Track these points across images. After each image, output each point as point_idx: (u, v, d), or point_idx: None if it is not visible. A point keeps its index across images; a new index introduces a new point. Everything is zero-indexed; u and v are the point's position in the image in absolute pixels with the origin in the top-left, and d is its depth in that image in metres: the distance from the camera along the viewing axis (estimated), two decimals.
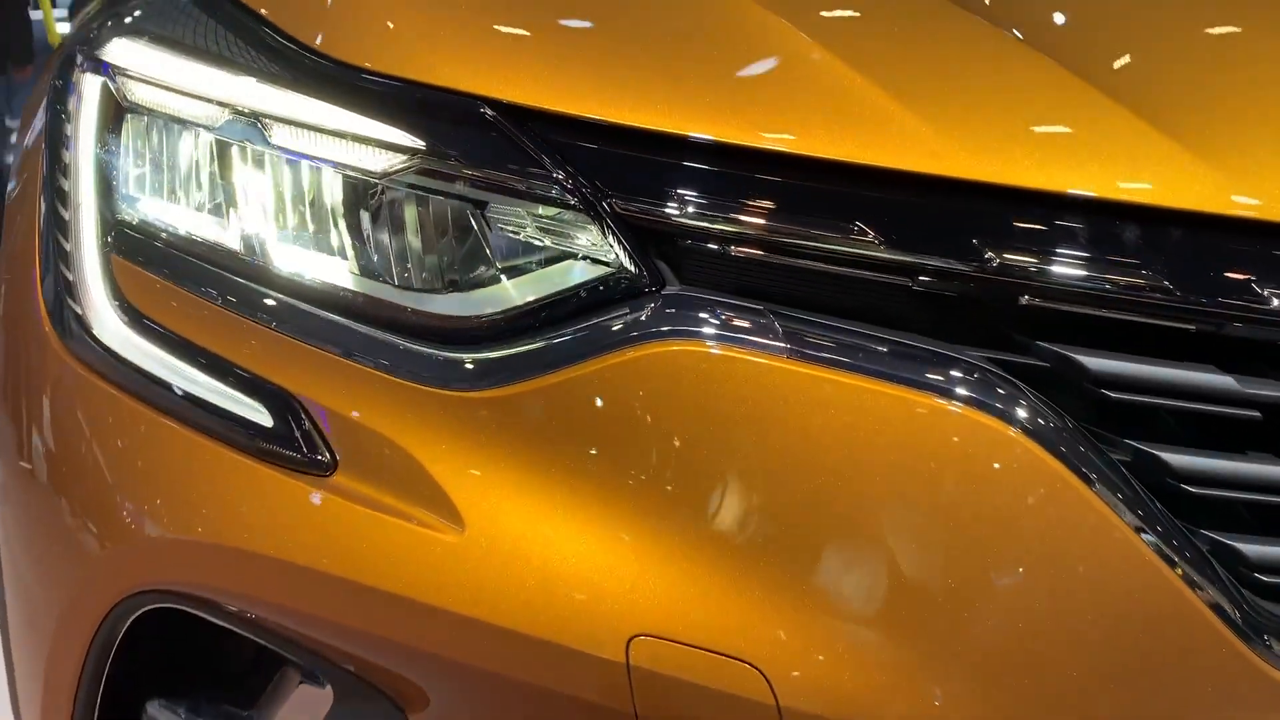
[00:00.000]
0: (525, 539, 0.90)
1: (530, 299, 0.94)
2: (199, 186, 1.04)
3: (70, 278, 1.07)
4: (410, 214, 0.97)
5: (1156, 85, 1.02)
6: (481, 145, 0.94)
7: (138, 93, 1.07)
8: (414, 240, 0.98)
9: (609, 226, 0.92)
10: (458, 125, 0.95)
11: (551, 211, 0.93)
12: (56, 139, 1.14)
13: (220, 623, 0.98)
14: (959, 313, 0.91)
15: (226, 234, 1.02)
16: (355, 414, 0.95)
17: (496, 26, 1.01)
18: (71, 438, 1.04)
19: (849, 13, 1.09)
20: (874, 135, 0.91)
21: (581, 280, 0.93)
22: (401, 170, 0.95)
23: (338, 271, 0.99)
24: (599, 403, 0.90)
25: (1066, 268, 0.88)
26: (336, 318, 0.97)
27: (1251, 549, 0.90)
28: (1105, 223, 0.90)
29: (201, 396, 0.98)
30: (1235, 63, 1.06)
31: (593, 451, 0.90)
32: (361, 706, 0.96)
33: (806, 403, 0.88)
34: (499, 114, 0.94)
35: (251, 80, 1.01)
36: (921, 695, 0.87)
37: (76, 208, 1.08)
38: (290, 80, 1.00)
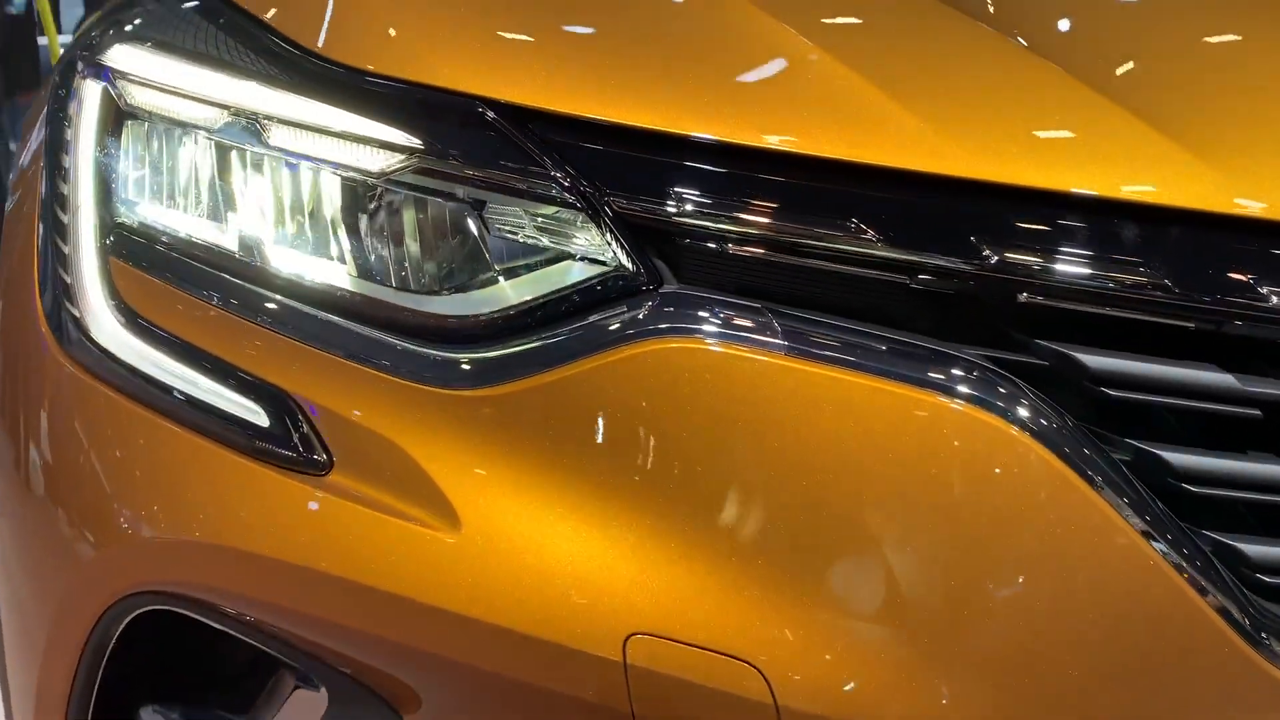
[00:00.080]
0: (522, 537, 0.90)
1: (527, 298, 0.94)
2: (198, 189, 1.04)
3: (68, 280, 1.07)
4: (408, 214, 0.98)
5: (1156, 87, 1.02)
6: (480, 144, 0.94)
7: (138, 96, 1.08)
8: (412, 241, 0.98)
9: (607, 225, 0.92)
10: (456, 125, 0.95)
11: (550, 210, 0.93)
12: (57, 144, 1.14)
13: (215, 625, 0.98)
14: (958, 311, 0.91)
15: (225, 236, 1.02)
16: (352, 413, 0.94)
17: (494, 28, 1.02)
18: (67, 439, 1.04)
19: (847, 16, 1.09)
20: (872, 134, 0.92)
21: (579, 279, 0.93)
22: (400, 170, 0.95)
23: (335, 272, 0.99)
24: (596, 401, 0.90)
25: (1065, 265, 0.88)
26: (334, 318, 0.97)
27: (1253, 549, 0.90)
28: (1104, 221, 0.90)
29: (198, 397, 0.98)
30: (1234, 64, 1.06)
31: (590, 450, 0.90)
32: (357, 709, 0.95)
33: (805, 400, 0.88)
34: (497, 114, 0.95)
35: (250, 82, 1.02)
36: (921, 694, 0.87)
37: (75, 211, 1.08)
38: (289, 82, 1.01)
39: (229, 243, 1.02)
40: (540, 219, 0.94)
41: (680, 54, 1.00)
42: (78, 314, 1.05)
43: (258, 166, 1.02)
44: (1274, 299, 0.88)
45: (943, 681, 0.87)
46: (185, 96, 1.04)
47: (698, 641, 0.87)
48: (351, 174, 0.97)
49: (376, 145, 0.96)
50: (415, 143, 0.95)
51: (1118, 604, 0.88)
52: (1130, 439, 0.90)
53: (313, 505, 0.93)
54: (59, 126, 1.15)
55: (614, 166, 0.93)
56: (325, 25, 1.05)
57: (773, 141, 0.92)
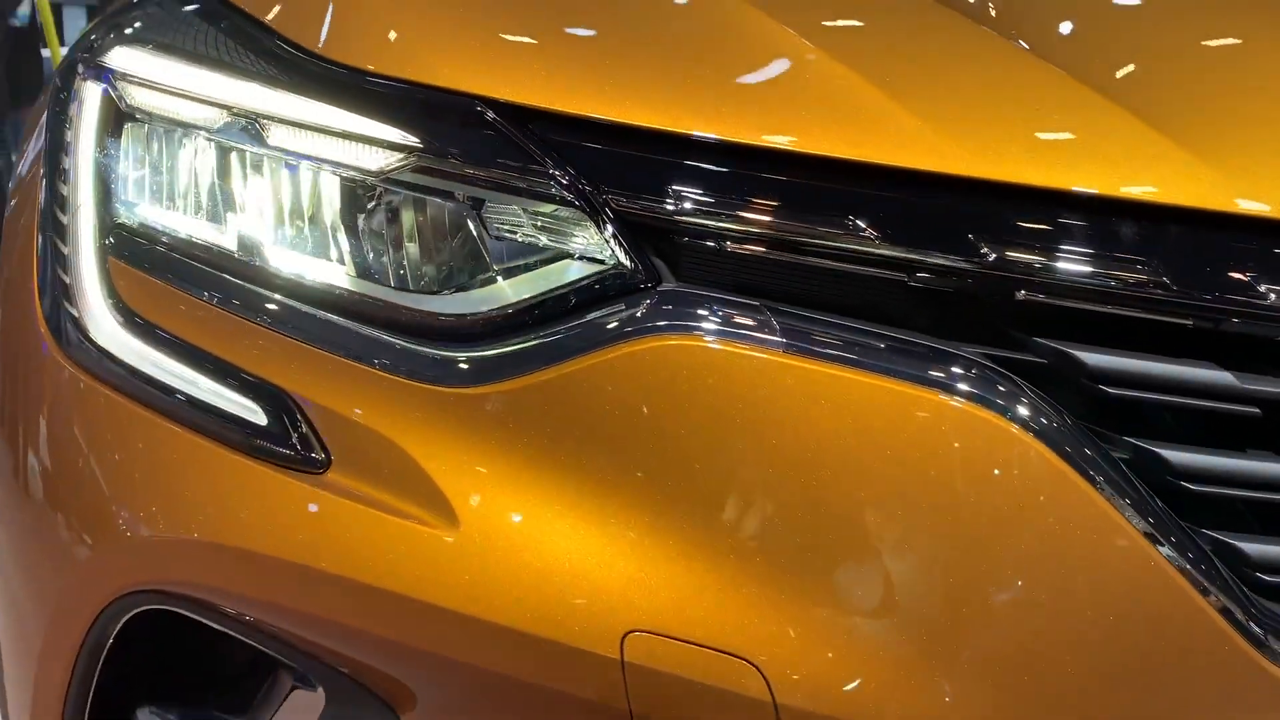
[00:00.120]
0: (520, 535, 0.90)
1: (526, 296, 0.94)
2: (198, 189, 1.04)
3: (67, 281, 1.07)
4: (407, 214, 0.98)
5: (1155, 88, 1.02)
6: (479, 143, 0.94)
7: (138, 97, 1.08)
8: (410, 240, 0.98)
9: (605, 223, 0.92)
10: (455, 124, 0.95)
11: (548, 209, 0.93)
12: (56, 146, 1.14)
13: (211, 624, 0.97)
14: (956, 310, 0.91)
15: (224, 236, 1.02)
16: (350, 412, 0.94)
17: (492, 29, 1.02)
18: (65, 439, 1.04)
19: (846, 17, 1.10)
20: (871, 133, 0.92)
21: (577, 277, 0.93)
22: (399, 168, 0.95)
23: (334, 272, 0.99)
24: (594, 398, 0.89)
25: (1064, 263, 0.88)
26: (333, 317, 0.97)
27: (1253, 548, 0.90)
28: (1103, 220, 0.90)
29: (196, 396, 0.98)
30: (1232, 65, 1.06)
31: (588, 447, 0.90)
32: (354, 708, 0.95)
33: (804, 398, 0.88)
34: (496, 113, 0.95)
35: (250, 82, 1.02)
36: (920, 693, 0.86)
37: (75, 212, 1.08)
38: (289, 82, 1.01)
39: (228, 242, 1.02)
40: (539, 218, 0.94)
41: (678, 54, 1.00)
42: (76, 314, 1.05)
43: (257, 167, 1.02)
44: (1272, 297, 0.88)
45: (942, 680, 0.86)
46: (185, 97, 1.04)
47: (695, 639, 0.86)
48: (350, 173, 0.98)
49: (376, 144, 0.96)
50: (415, 142, 0.95)
51: (1117, 603, 0.87)
52: (1129, 438, 0.90)
53: (310, 503, 0.93)
54: (59, 128, 1.15)
55: (612, 165, 0.93)
56: (325, 26, 1.05)
57: (771, 140, 0.92)
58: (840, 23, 1.09)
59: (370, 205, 0.98)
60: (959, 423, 0.88)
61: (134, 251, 1.04)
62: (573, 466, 0.90)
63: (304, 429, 0.95)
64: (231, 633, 0.97)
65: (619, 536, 0.89)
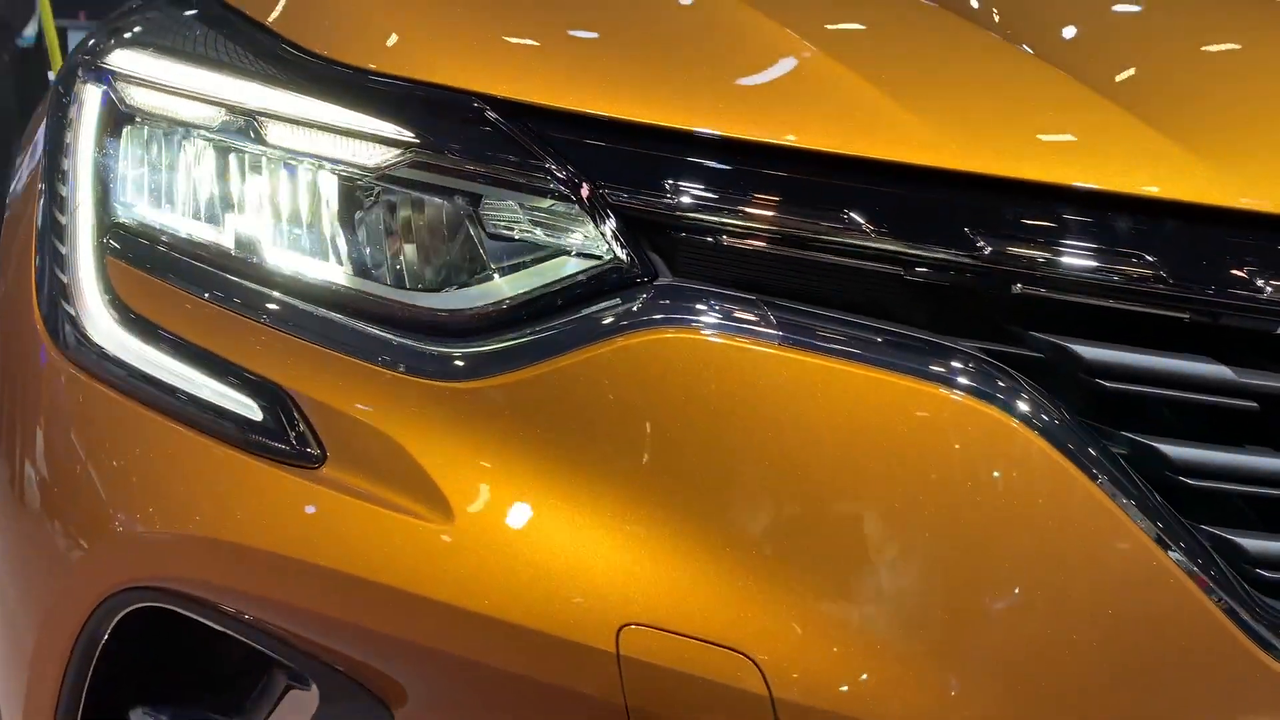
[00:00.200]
0: (515, 528, 0.89)
1: (522, 291, 0.94)
2: (196, 187, 1.05)
3: (65, 280, 1.07)
4: (404, 210, 0.98)
5: (1151, 87, 1.03)
6: (476, 139, 0.95)
7: (138, 97, 1.08)
8: (407, 236, 0.98)
9: (602, 218, 0.92)
10: (452, 120, 0.96)
11: (545, 204, 0.94)
12: (56, 148, 1.15)
13: (205, 621, 0.97)
14: (952, 305, 0.91)
15: (221, 233, 1.03)
16: (346, 407, 0.94)
17: (489, 26, 1.03)
18: (60, 436, 1.04)
19: (843, 18, 1.10)
20: (867, 128, 0.92)
21: (573, 272, 0.93)
22: (396, 164, 0.96)
23: (331, 268, 0.99)
24: (590, 391, 0.89)
25: (1059, 257, 0.88)
26: (330, 314, 0.97)
27: (1252, 544, 0.89)
28: (1099, 214, 0.90)
29: (191, 392, 0.98)
30: (1227, 65, 1.07)
31: (583, 440, 0.89)
32: (348, 705, 0.94)
33: (800, 391, 0.88)
34: (493, 109, 0.95)
35: (249, 81, 1.03)
36: (918, 687, 0.86)
37: (73, 211, 1.09)
38: (287, 80, 1.01)
39: (225, 240, 1.02)
40: (536, 213, 0.94)
41: (674, 51, 1.01)
42: (74, 313, 1.05)
43: (255, 164, 1.02)
44: (1268, 291, 0.88)
45: (940, 674, 0.86)
46: (184, 96, 1.05)
47: (691, 632, 0.86)
48: (348, 170, 0.98)
49: (373, 141, 0.96)
50: (412, 138, 0.95)
51: (1117, 598, 0.87)
52: (1127, 433, 0.89)
53: (305, 498, 0.93)
54: (59, 131, 1.16)
55: (609, 160, 0.93)
56: (323, 25, 1.06)
57: (768, 135, 0.92)
58: (837, 23, 1.10)
59: (367, 202, 0.99)
60: (958, 417, 0.87)
61: (131, 250, 1.05)
62: (568, 460, 0.90)
63: (299, 424, 0.95)
64: (226, 630, 0.96)
65: (615, 530, 0.88)
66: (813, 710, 0.85)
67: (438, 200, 0.97)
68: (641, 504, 0.88)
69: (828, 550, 0.87)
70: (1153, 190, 0.90)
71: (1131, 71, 1.05)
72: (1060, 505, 0.87)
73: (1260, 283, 0.89)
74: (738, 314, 0.89)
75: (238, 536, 0.93)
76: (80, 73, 1.16)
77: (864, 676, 0.86)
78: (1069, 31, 1.12)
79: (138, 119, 1.08)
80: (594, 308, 0.91)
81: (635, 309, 0.90)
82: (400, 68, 0.99)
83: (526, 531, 0.89)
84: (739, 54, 0.99)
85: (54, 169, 1.14)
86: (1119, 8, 1.23)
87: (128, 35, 1.15)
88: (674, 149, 0.92)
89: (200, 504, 0.95)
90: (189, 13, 1.18)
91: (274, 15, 1.09)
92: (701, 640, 0.86)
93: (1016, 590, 0.87)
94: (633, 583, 0.87)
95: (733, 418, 0.87)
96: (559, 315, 0.92)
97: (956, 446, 0.87)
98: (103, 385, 1.02)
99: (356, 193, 0.99)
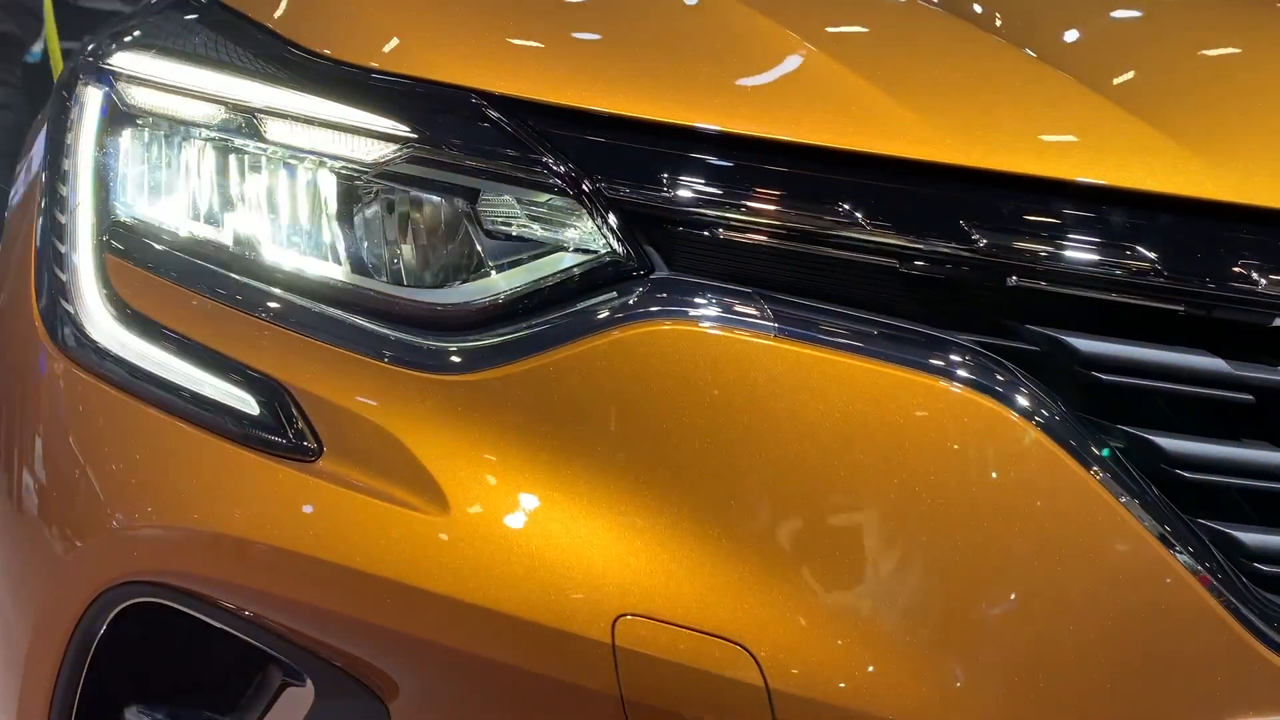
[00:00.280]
0: (511, 519, 0.89)
1: (519, 286, 0.94)
2: (196, 185, 1.05)
3: (64, 278, 1.07)
4: (401, 206, 0.98)
5: (1145, 84, 1.04)
6: (473, 134, 0.95)
7: (138, 96, 1.09)
8: (405, 231, 0.98)
9: (599, 212, 0.92)
10: (450, 116, 0.96)
11: (542, 198, 0.94)
12: (57, 148, 1.15)
13: (201, 616, 0.96)
14: (948, 298, 0.91)
15: (220, 230, 1.03)
16: (342, 401, 0.94)
17: (487, 24, 1.04)
18: (57, 432, 1.04)
19: (838, 17, 1.11)
20: (862, 123, 0.93)
21: (570, 266, 0.93)
22: (394, 160, 0.96)
23: (329, 264, 0.99)
24: (587, 383, 0.89)
25: (1055, 250, 0.89)
26: (327, 309, 0.97)
27: (1250, 538, 0.89)
28: (1093, 207, 0.91)
29: (188, 387, 0.98)
30: (1220, 62, 1.08)
31: (580, 432, 0.89)
32: (343, 700, 0.94)
33: (795, 383, 0.88)
34: (491, 105, 0.96)
35: (249, 80, 1.03)
36: (915, 679, 0.85)
37: (74, 210, 1.09)
38: (287, 78, 1.02)
39: (224, 237, 1.02)
40: (533, 207, 0.95)
41: (670, 48, 1.01)
42: (72, 310, 1.05)
43: (254, 162, 1.02)
44: (1263, 284, 0.89)
45: (937, 665, 0.86)
46: (185, 94, 1.05)
47: (687, 623, 0.86)
48: (345, 166, 0.98)
49: (371, 136, 0.97)
50: (410, 133, 0.96)
51: (1114, 591, 0.87)
52: (1123, 426, 0.89)
53: (302, 491, 0.93)
54: (60, 133, 1.16)
55: (606, 155, 0.93)
56: (323, 25, 1.07)
57: (765, 130, 0.92)
58: (835, 23, 1.10)
59: (365, 198, 0.99)
60: (955, 410, 0.87)
61: (130, 247, 1.05)
62: (565, 452, 0.90)
63: (296, 418, 0.95)
64: (221, 625, 0.96)
65: (611, 521, 0.88)
66: (809, 702, 0.85)
67: (436, 196, 0.97)
68: (637, 495, 0.88)
69: (824, 542, 0.87)
70: (1148, 184, 0.91)
71: (1128, 71, 1.06)
72: (1058, 499, 0.87)
73: (1255, 276, 0.89)
74: (734, 306, 0.89)
75: (234, 530, 0.93)
76: (82, 75, 1.17)
77: (861, 668, 0.86)
78: (1069, 34, 1.13)
79: (138, 118, 1.08)
80: (590, 301, 0.92)
81: (631, 302, 0.91)
82: (400, 65, 1.00)
83: (522, 523, 0.89)
84: (737, 51, 1.00)
85: (55, 169, 1.14)
86: (1118, 12, 1.23)
87: (129, 38, 1.16)
88: (671, 144, 0.93)
89: (196, 498, 0.95)
90: (190, 16, 1.19)
91: (274, 16, 1.10)
92: (697, 631, 0.86)
93: (1013, 583, 0.87)
94: (628, 574, 0.87)
95: (729, 409, 0.88)
96: (555, 309, 0.92)
97: (954, 439, 0.87)
98: (100, 381, 1.02)
99: (355, 188, 0.99)
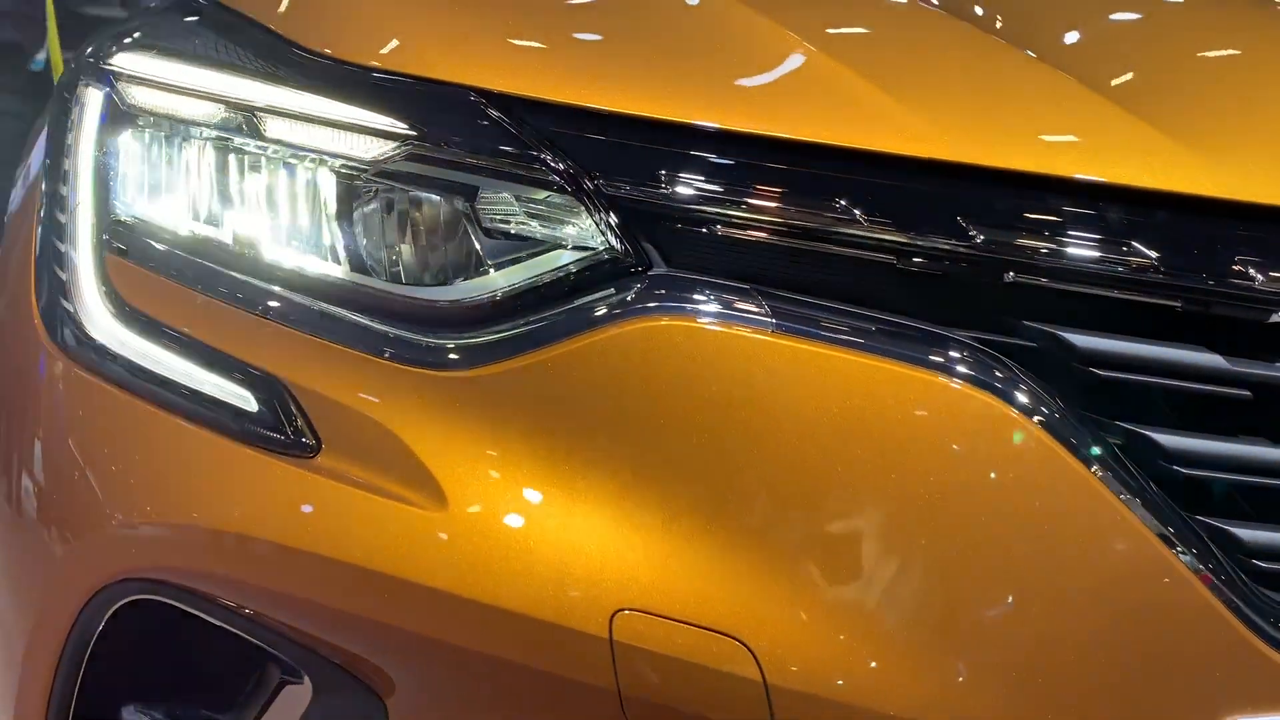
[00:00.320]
0: (509, 515, 0.89)
1: (517, 282, 0.94)
2: (195, 184, 1.05)
3: (64, 277, 1.07)
4: (400, 203, 0.98)
5: (1143, 83, 1.05)
6: (472, 132, 0.95)
7: (138, 96, 1.09)
8: (403, 229, 0.98)
9: (597, 209, 0.92)
10: (449, 113, 0.97)
11: (541, 195, 0.94)
12: (58, 150, 1.16)
13: (199, 613, 0.96)
14: (945, 295, 0.91)
15: (219, 228, 1.03)
16: (340, 397, 0.94)
17: (486, 23, 1.04)
18: (56, 429, 1.04)
19: (837, 17, 1.11)
20: (859, 120, 0.93)
21: (568, 262, 0.93)
22: (393, 157, 0.96)
23: (328, 262, 1.00)
24: (585, 379, 0.90)
25: (1051, 246, 0.89)
26: (325, 306, 0.98)
27: (1248, 534, 0.89)
28: (1090, 204, 0.91)
29: (187, 384, 0.98)
30: (1217, 62, 1.09)
31: (578, 427, 0.90)
32: (341, 697, 0.94)
33: (793, 379, 0.88)
34: (490, 103, 0.96)
35: (248, 78, 1.03)
36: (914, 675, 0.85)
37: (74, 209, 1.09)
38: (286, 77, 1.02)
39: (223, 235, 1.03)
40: (532, 205, 0.95)
41: (670, 46, 1.02)
42: (72, 308, 1.05)
43: (254, 160, 1.03)
44: (1261, 280, 0.89)
45: (935, 661, 0.86)
46: (185, 94, 1.05)
47: (685, 617, 0.86)
48: (345, 164, 0.98)
49: (370, 134, 0.97)
50: (409, 131, 0.96)
51: (1112, 588, 0.87)
52: (1121, 422, 0.89)
53: (300, 487, 0.93)
54: (60, 132, 1.17)
55: (604, 153, 0.94)
56: (323, 24, 1.07)
57: (763, 127, 0.93)
58: (834, 23, 1.11)
59: (364, 196, 0.99)
60: (954, 405, 0.88)
61: (130, 246, 1.05)
62: (563, 447, 0.90)
63: (295, 414, 0.95)
64: (219, 622, 0.96)
65: (609, 516, 0.88)
66: (807, 697, 0.85)
67: (435, 193, 0.97)
68: (636, 491, 0.88)
69: (822, 538, 0.87)
70: (1146, 181, 0.91)
71: (1127, 71, 1.06)
72: (1056, 495, 0.87)
73: (1253, 272, 0.89)
74: (732, 303, 0.89)
75: (232, 525, 0.93)
76: (83, 75, 1.17)
77: (859, 664, 0.85)
78: (1069, 35, 1.14)
79: (139, 118, 1.09)
80: (589, 297, 0.92)
81: (630, 298, 0.91)
82: (399, 64, 1.00)
83: (520, 519, 0.89)
84: (735, 49, 1.00)
85: (55, 169, 1.15)
86: (1118, 14, 1.24)
87: (129, 39, 1.16)
88: (669, 142, 0.93)
89: (195, 494, 0.95)
90: (190, 17, 1.19)
91: (274, 16, 1.11)
92: (696, 626, 0.86)
93: (1012, 579, 0.87)
94: (626, 569, 0.87)
95: (727, 405, 0.88)
96: (554, 305, 0.93)
97: (952, 435, 0.87)
98: (100, 379, 1.02)
99: (353, 186, 0.99)
